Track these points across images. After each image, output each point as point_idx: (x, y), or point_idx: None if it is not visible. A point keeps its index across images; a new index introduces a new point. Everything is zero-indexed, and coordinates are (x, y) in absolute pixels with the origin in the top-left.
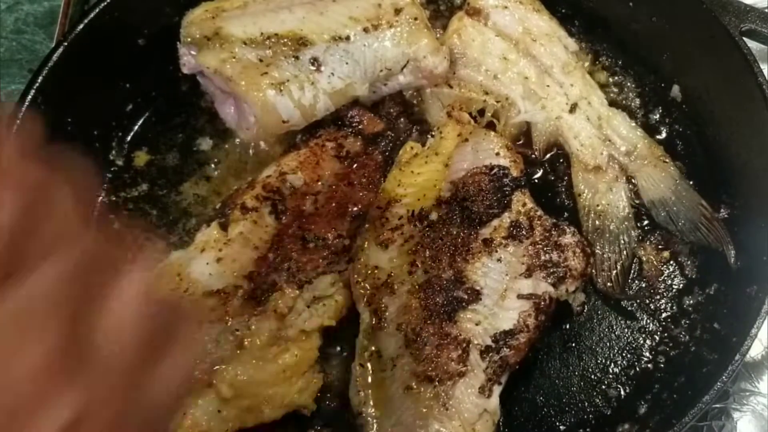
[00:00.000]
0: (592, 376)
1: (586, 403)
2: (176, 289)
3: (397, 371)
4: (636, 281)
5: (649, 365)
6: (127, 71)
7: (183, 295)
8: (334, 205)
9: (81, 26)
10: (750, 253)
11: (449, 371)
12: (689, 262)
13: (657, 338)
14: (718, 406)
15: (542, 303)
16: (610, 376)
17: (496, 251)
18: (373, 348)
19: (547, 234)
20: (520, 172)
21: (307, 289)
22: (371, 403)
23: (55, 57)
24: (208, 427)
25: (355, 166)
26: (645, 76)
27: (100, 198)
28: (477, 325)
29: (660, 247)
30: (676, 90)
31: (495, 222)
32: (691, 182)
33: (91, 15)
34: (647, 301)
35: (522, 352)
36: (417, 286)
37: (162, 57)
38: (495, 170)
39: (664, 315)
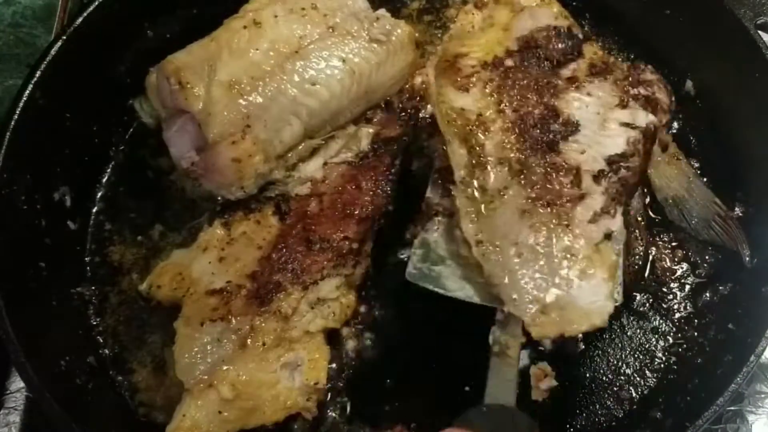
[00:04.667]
0: (604, 378)
1: (597, 406)
2: (178, 288)
3: (507, 200)
4: (649, 281)
5: (662, 366)
6: (127, 66)
7: (185, 294)
8: (339, 206)
9: (80, 20)
10: (765, 251)
11: (565, 194)
12: (703, 261)
13: (670, 339)
14: (732, 408)
15: (648, 130)
16: (622, 377)
17: (584, 86)
18: (475, 183)
19: (628, 72)
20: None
21: (312, 291)
22: (485, 234)
23: (53, 51)
24: (208, 429)
25: (363, 167)
26: (657, 71)
27: (100, 194)
28: (582, 153)
29: (673, 245)
30: (689, 84)
31: (573, 65)
32: (705, 179)
33: (90, 8)
34: (660, 301)
35: (637, 175)
36: (510, 123)
37: (163, 51)
38: (560, 28)
39: (677, 315)
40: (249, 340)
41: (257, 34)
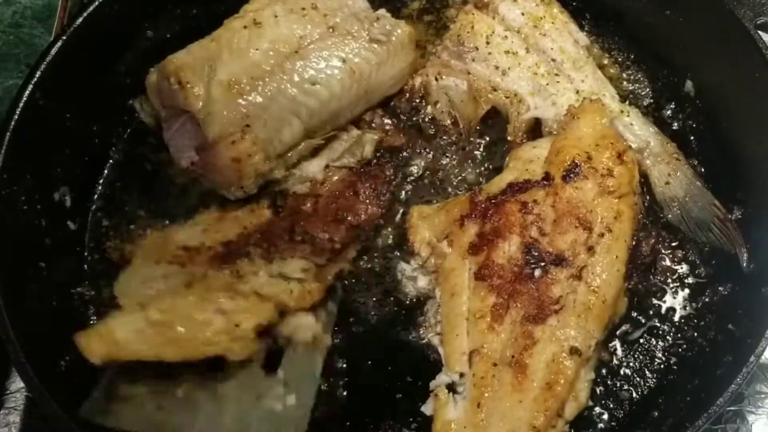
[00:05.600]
0: (604, 378)
1: (597, 406)
2: (158, 247)
3: None
4: (649, 281)
5: (662, 367)
6: (127, 66)
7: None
8: (333, 210)
9: (80, 20)
10: (765, 252)
11: None
12: (703, 262)
13: (670, 339)
14: (732, 408)
15: None
16: (622, 378)
17: None
18: None
19: None
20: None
21: (276, 264)
22: None
23: (53, 51)
24: (125, 339)
25: (363, 174)
26: (658, 71)
27: (100, 194)
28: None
29: (673, 246)
30: (689, 85)
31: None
32: (704, 178)
33: (90, 8)
34: (660, 302)
35: None
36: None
37: (163, 51)
38: None
39: (677, 316)
40: (196, 283)
41: (257, 34)
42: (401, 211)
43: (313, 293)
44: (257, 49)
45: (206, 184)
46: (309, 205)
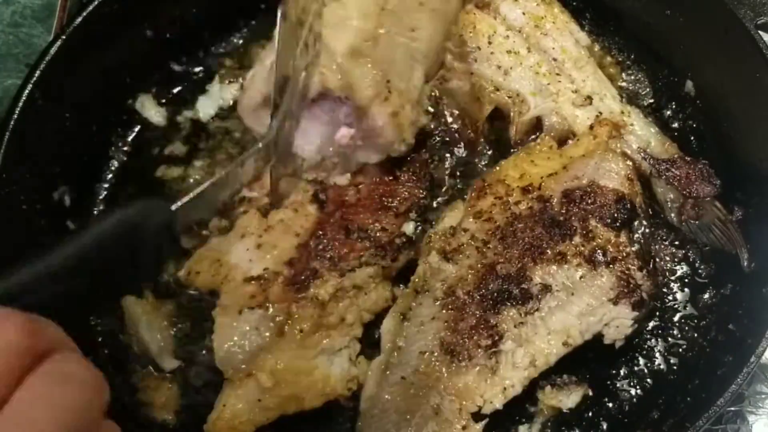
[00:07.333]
0: (603, 378)
1: (597, 406)
2: (216, 275)
3: (426, 329)
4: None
5: (662, 367)
6: (128, 65)
7: (223, 281)
8: (377, 197)
9: (79, 19)
10: (765, 252)
11: (471, 356)
12: (703, 262)
13: (670, 340)
14: (732, 409)
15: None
16: (621, 378)
17: (569, 268)
18: (414, 303)
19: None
20: (638, 204)
21: (349, 278)
22: (394, 336)
23: (52, 51)
24: (249, 417)
25: (400, 159)
26: (658, 71)
27: (99, 194)
28: (515, 327)
29: (674, 245)
30: (689, 85)
31: (577, 240)
32: None
33: (90, 8)
34: (660, 302)
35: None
36: (479, 266)
37: (162, 51)
38: (623, 201)
39: (677, 316)
40: (286, 328)
41: (341, 7)
42: (444, 188)
43: (387, 297)
44: (352, 19)
45: (363, 156)
46: (352, 194)
